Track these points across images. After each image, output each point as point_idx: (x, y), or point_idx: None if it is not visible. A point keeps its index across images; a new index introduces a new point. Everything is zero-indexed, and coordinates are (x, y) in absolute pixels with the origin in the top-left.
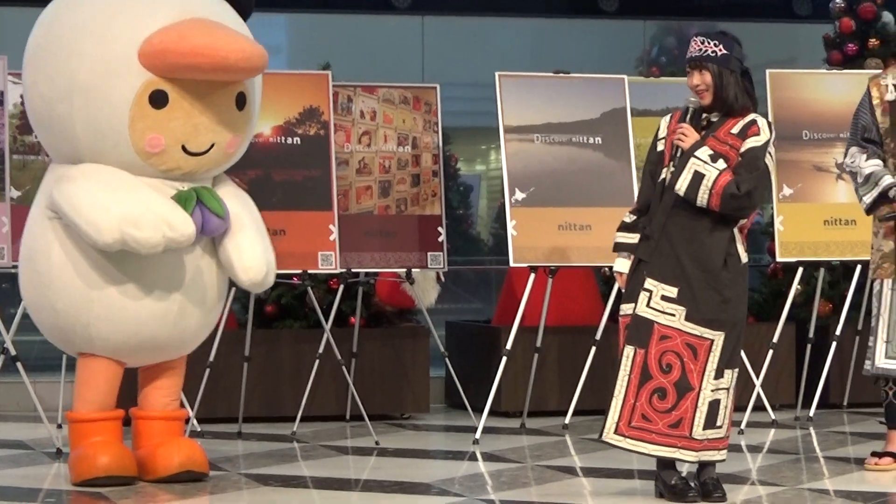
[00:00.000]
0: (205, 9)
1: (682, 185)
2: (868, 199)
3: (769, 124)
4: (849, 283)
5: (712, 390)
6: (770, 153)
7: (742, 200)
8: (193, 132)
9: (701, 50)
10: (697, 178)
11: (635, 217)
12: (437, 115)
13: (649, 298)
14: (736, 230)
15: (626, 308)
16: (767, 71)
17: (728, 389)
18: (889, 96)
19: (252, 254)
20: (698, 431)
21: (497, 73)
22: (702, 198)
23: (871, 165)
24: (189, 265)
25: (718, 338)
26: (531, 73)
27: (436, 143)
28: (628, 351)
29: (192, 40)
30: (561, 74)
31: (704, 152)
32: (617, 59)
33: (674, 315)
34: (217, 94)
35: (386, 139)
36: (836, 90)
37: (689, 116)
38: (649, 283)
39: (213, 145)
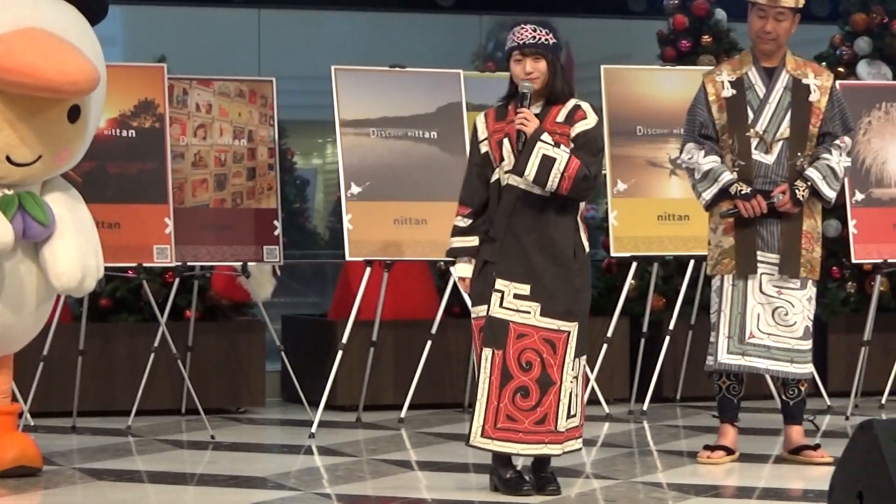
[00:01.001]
0: (45, 17)
1: (531, 171)
2: (708, 195)
3: (593, 108)
4: (682, 278)
5: (570, 381)
6: (602, 135)
7: (591, 183)
8: (19, 144)
9: (535, 38)
10: (547, 162)
11: (470, 220)
12: (272, 108)
13: (501, 299)
14: (579, 219)
15: (477, 311)
16: (602, 67)
17: (578, 378)
18: (725, 93)
19: (66, 259)
20: (562, 424)
21: (333, 67)
22: (552, 182)
23: (710, 161)
24: (8, 270)
25: (573, 328)
26: (367, 67)
27: (271, 137)
28: (486, 353)
29: (19, 58)
30: (397, 68)
31: (548, 137)
32: (453, 54)
33: (528, 312)
34: (48, 106)
35: (221, 132)
36: (670, 86)
37: (525, 103)
38: (500, 283)
39: (39, 157)
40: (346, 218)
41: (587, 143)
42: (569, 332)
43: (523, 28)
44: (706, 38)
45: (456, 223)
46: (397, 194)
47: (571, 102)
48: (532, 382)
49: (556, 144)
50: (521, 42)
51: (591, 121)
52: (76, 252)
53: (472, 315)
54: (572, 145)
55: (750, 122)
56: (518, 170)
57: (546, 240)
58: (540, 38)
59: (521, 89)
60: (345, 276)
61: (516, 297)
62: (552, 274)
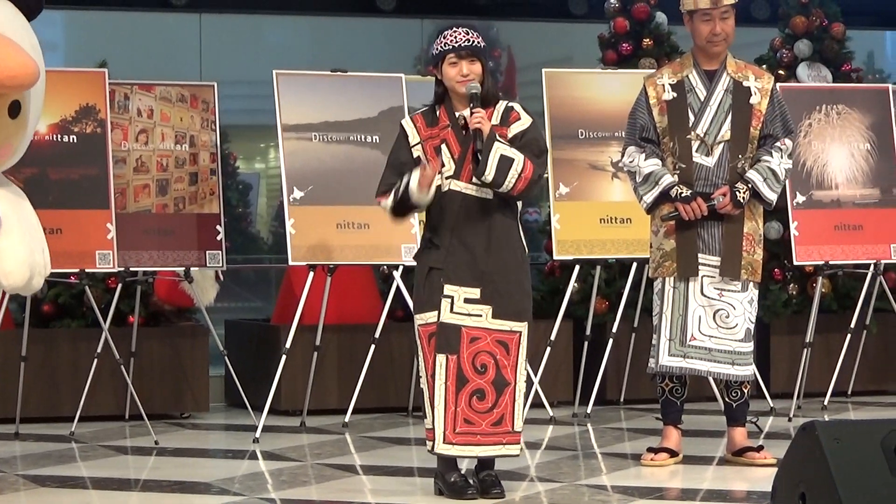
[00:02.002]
0: None
1: (489, 171)
2: (649, 198)
3: (524, 109)
4: (625, 280)
5: (524, 381)
6: (543, 135)
7: (538, 184)
8: None
9: (470, 41)
10: (506, 162)
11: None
12: (214, 113)
13: (451, 304)
14: (517, 193)
15: (425, 317)
16: (543, 70)
17: (525, 379)
18: (666, 96)
19: (13, 258)
20: (518, 424)
21: (275, 71)
22: (509, 182)
23: (651, 165)
24: None
25: (524, 328)
26: (309, 72)
27: (213, 142)
28: (440, 360)
29: None
30: (339, 73)
31: (504, 140)
32: (395, 58)
33: (480, 315)
34: None
35: (163, 137)
36: (612, 89)
37: (476, 103)
38: (448, 289)
39: None
40: (288, 222)
41: (528, 144)
42: (521, 333)
43: (456, 31)
44: (647, 42)
45: (383, 205)
46: (339, 198)
47: (502, 104)
48: (488, 385)
49: (510, 145)
50: (455, 45)
51: (525, 121)
52: (23, 250)
53: (418, 322)
54: (515, 146)
55: (691, 124)
56: (479, 170)
57: (495, 242)
58: (474, 41)
59: (469, 90)
60: (288, 280)
61: (467, 301)
62: (502, 275)
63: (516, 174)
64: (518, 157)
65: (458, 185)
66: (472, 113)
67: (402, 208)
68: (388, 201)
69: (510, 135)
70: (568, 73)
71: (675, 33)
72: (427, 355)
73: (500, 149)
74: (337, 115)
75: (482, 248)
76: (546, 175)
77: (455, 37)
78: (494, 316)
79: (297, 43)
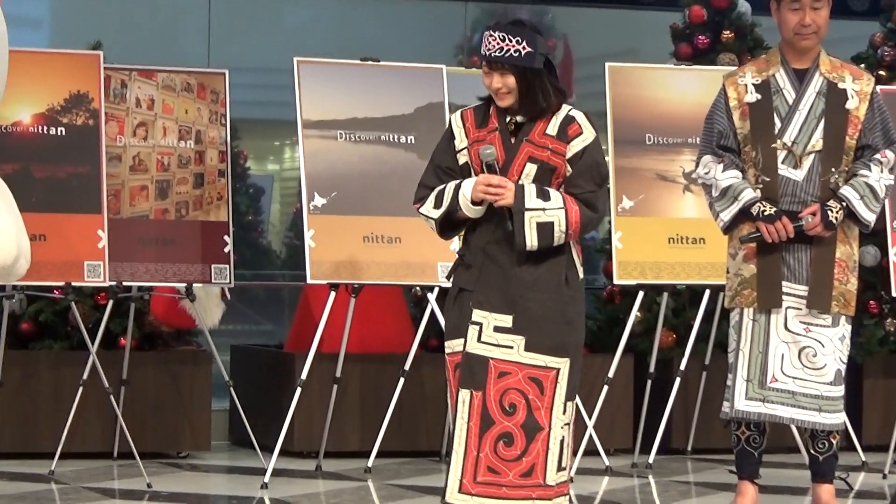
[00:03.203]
0: None
1: (531, 243)
2: (726, 215)
3: (587, 117)
4: (696, 310)
5: (561, 427)
6: (603, 152)
7: (596, 222)
8: None
9: (502, 50)
10: (546, 228)
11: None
12: (224, 105)
13: (480, 332)
14: (572, 240)
15: (452, 345)
16: (606, 64)
17: (570, 424)
18: (749, 98)
19: (1, 231)
20: (552, 476)
21: (295, 59)
22: (558, 240)
23: (729, 177)
24: None
25: (564, 365)
26: (335, 60)
27: (223, 138)
28: (463, 396)
29: None
30: (369, 62)
31: (532, 195)
32: (435, 46)
33: (511, 347)
34: None
35: (165, 132)
36: (685, 88)
37: (494, 171)
38: (477, 314)
39: None
40: (307, 234)
41: (589, 169)
42: (558, 370)
43: (492, 35)
44: (727, 34)
45: (425, 212)
46: (367, 208)
47: (564, 111)
48: (517, 428)
49: (544, 196)
50: (486, 53)
51: (587, 136)
52: (11, 225)
53: (447, 350)
54: (568, 168)
55: (777, 131)
56: (518, 245)
57: (532, 263)
58: (508, 50)
59: (484, 158)
60: (305, 301)
61: (496, 329)
62: (539, 302)
63: (562, 234)
64: (557, 217)
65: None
66: (486, 188)
67: (450, 222)
68: (434, 210)
69: (570, 153)
70: (634, 67)
71: (760, 25)
72: (453, 390)
73: (534, 219)
74: (366, 110)
75: (518, 268)
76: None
77: (488, 43)
78: (527, 348)
79: (321, 26)
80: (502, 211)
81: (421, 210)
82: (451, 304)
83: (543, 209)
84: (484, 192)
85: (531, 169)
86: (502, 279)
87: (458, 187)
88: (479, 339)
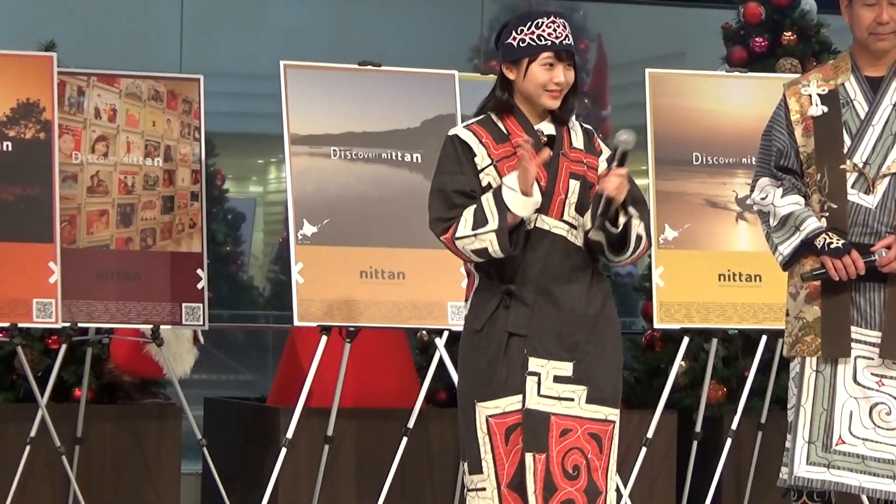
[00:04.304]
0: None
1: (628, 251)
2: (786, 248)
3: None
4: (750, 359)
5: (614, 490)
6: None
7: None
8: None
9: (570, 40)
10: (638, 242)
11: None
12: (199, 116)
13: (539, 384)
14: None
15: (500, 405)
16: (647, 71)
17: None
18: (814, 111)
19: None
20: None
21: (282, 63)
22: (630, 259)
23: (790, 204)
24: None
25: (617, 417)
26: (328, 64)
27: (197, 155)
28: (529, 461)
29: None
30: (369, 67)
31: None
32: (445, 49)
33: (572, 399)
34: None
35: (129, 148)
36: (739, 99)
37: (622, 161)
38: (535, 363)
39: None
40: (294, 268)
41: (633, 188)
42: (614, 423)
43: (555, 22)
44: (789, 36)
45: (467, 233)
46: (366, 238)
47: (576, 123)
48: (579, 494)
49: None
50: (557, 41)
51: (606, 151)
52: None
53: (486, 411)
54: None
55: (846, 150)
56: (613, 254)
57: (593, 302)
58: (570, 40)
59: (621, 146)
60: (291, 346)
61: (556, 380)
62: (600, 346)
63: (640, 251)
64: (639, 229)
65: (546, 223)
66: (608, 172)
67: (502, 235)
68: (479, 228)
69: (600, 169)
70: (680, 74)
71: (828, 25)
72: (502, 457)
73: (637, 228)
74: (365, 123)
75: (578, 308)
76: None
77: (554, 30)
78: (589, 400)
79: (312, 25)
80: (552, 237)
81: (458, 236)
82: (495, 354)
83: (635, 216)
84: (609, 178)
85: (575, 186)
86: (557, 320)
87: (497, 190)
88: (539, 393)
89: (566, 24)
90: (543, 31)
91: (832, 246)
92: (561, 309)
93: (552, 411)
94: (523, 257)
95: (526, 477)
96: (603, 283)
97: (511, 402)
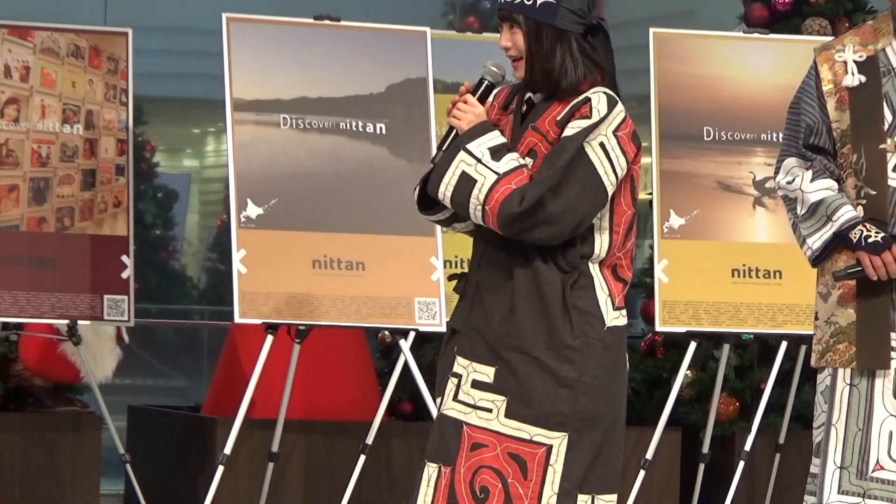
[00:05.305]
0: None
1: (446, 190)
2: (816, 241)
3: (612, 101)
4: (768, 369)
5: None
6: (604, 143)
7: (526, 220)
8: None
9: None
10: (465, 183)
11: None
12: (126, 76)
13: (457, 387)
14: (597, 268)
15: (438, 404)
16: (651, 31)
17: None
18: (849, 81)
19: None
20: None
21: (224, 15)
22: (474, 212)
23: (821, 189)
24: None
25: (559, 442)
26: (278, 18)
27: (123, 122)
28: (430, 471)
29: None
30: (326, 21)
31: (485, 143)
32: (416, 2)
33: (490, 410)
34: None
35: (44, 112)
36: (759, 65)
37: (479, 92)
38: (459, 363)
39: None
40: (236, 256)
41: (551, 153)
42: (549, 448)
43: None
44: None
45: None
46: (321, 222)
47: (588, 93)
48: None
49: (497, 155)
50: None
51: (588, 121)
52: None
53: (435, 412)
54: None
55: (887, 127)
56: (432, 185)
57: (520, 299)
58: None
59: (484, 74)
60: (231, 348)
61: (476, 385)
62: (524, 352)
63: (478, 203)
64: (483, 179)
65: None
66: (454, 104)
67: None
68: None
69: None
70: (689, 35)
71: None
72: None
73: (462, 163)
74: (321, 87)
75: (502, 304)
76: (649, 195)
77: None
78: (509, 414)
79: None
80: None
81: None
82: (442, 351)
83: (481, 161)
84: (454, 110)
85: (530, 164)
86: (485, 319)
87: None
88: (455, 397)
89: None
90: None
91: (870, 240)
92: (489, 304)
93: (465, 420)
94: (475, 243)
95: (419, 489)
96: (542, 277)
97: (439, 404)
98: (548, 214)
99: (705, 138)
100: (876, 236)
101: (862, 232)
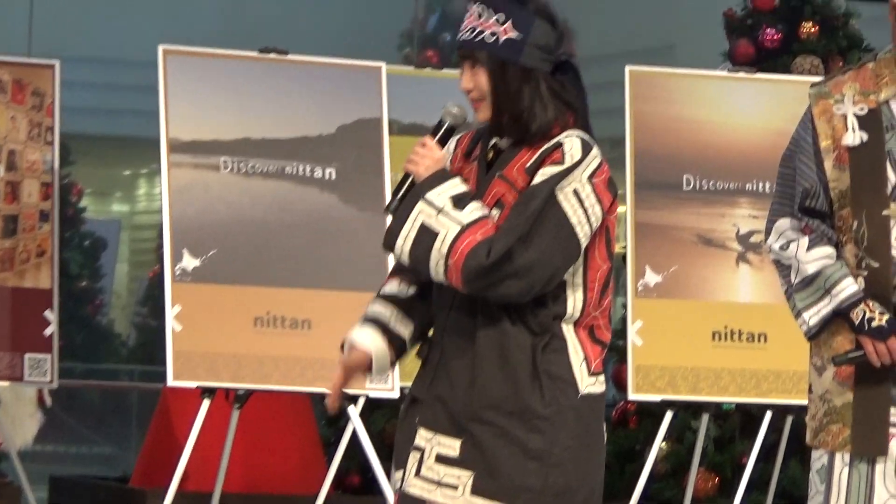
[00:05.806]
0: None
1: (404, 244)
2: (813, 317)
3: (587, 145)
4: (751, 442)
5: None
6: (578, 191)
7: (493, 274)
8: None
9: (473, 29)
10: (426, 236)
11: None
12: (52, 113)
13: (420, 462)
14: (571, 329)
15: (396, 478)
16: (627, 67)
17: None
18: (850, 139)
19: None
20: None
21: (161, 47)
22: (436, 268)
23: (819, 258)
24: None
25: None
26: (219, 51)
27: (48, 164)
28: None
29: None
30: (272, 55)
31: (446, 192)
32: (369, 35)
33: (455, 487)
34: None
35: None
36: (745, 107)
37: (438, 135)
38: (422, 435)
39: None
40: (170, 312)
41: (527, 197)
42: None
43: (470, 10)
44: (808, 27)
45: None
46: (263, 275)
47: (560, 137)
48: None
49: (460, 205)
50: (458, 37)
51: (565, 164)
52: None
53: (393, 486)
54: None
55: (890, 190)
56: (388, 239)
57: (485, 368)
58: (480, 31)
59: (444, 117)
60: (163, 412)
61: (440, 459)
62: (491, 426)
63: (441, 257)
64: (446, 230)
65: None
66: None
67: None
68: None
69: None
70: (669, 74)
71: (859, 15)
72: None
73: (422, 213)
74: (265, 128)
75: (467, 373)
76: (623, 249)
77: (465, 21)
78: (476, 491)
79: (201, 4)
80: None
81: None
82: (401, 419)
83: (442, 211)
84: (411, 155)
85: (496, 215)
86: (449, 389)
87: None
88: (417, 472)
89: (485, 7)
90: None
91: (874, 323)
92: (454, 371)
93: (430, 498)
94: (438, 304)
95: None
96: (507, 343)
97: (399, 478)
98: (516, 267)
99: (685, 187)
100: (880, 319)
101: (865, 313)
